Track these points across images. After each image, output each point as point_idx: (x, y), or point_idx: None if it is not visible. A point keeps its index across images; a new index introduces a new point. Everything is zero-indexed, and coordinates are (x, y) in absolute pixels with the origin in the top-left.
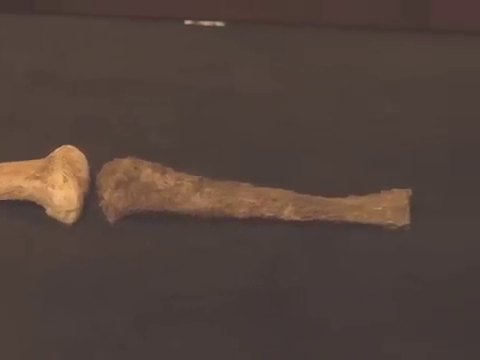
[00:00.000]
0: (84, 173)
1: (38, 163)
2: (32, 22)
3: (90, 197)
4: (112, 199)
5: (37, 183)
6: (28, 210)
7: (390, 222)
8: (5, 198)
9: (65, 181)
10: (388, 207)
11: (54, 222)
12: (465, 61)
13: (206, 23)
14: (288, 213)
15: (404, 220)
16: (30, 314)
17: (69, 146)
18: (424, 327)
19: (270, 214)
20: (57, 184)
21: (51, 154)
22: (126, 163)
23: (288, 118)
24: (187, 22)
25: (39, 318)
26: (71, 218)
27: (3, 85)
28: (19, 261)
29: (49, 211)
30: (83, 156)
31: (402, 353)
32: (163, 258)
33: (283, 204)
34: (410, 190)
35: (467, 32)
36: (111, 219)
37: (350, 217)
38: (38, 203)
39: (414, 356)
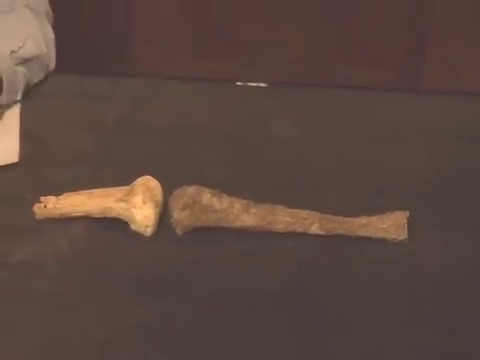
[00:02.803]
0: (159, 197)
1: (124, 189)
2: (117, 82)
3: (164, 215)
4: (180, 217)
5: (123, 204)
6: (116, 225)
7: (393, 237)
8: (99, 216)
9: (144, 203)
10: (391, 225)
11: (136, 235)
12: (445, 116)
13: (252, 84)
14: (315, 229)
15: (403, 235)
16: (117, 306)
17: (148, 176)
18: (417, 317)
19: (301, 230)
20: (138, 205)
21: (134, 182)
22: (191, 190)
23: (314, 158)
24: (238, 83)
25: (125, 308)
26: (149, 232)
27: (97, 130)
28: (110, 265)
29: (132, 226)
30: (158, 184)
31: (400, 338)
32: (219, 262)
33: (311, 222)
34: (408, 212)
35: (449, 94)
36: (179, 232)
37: (361, 232)
38: (124, 220)
39: (409, 340)
